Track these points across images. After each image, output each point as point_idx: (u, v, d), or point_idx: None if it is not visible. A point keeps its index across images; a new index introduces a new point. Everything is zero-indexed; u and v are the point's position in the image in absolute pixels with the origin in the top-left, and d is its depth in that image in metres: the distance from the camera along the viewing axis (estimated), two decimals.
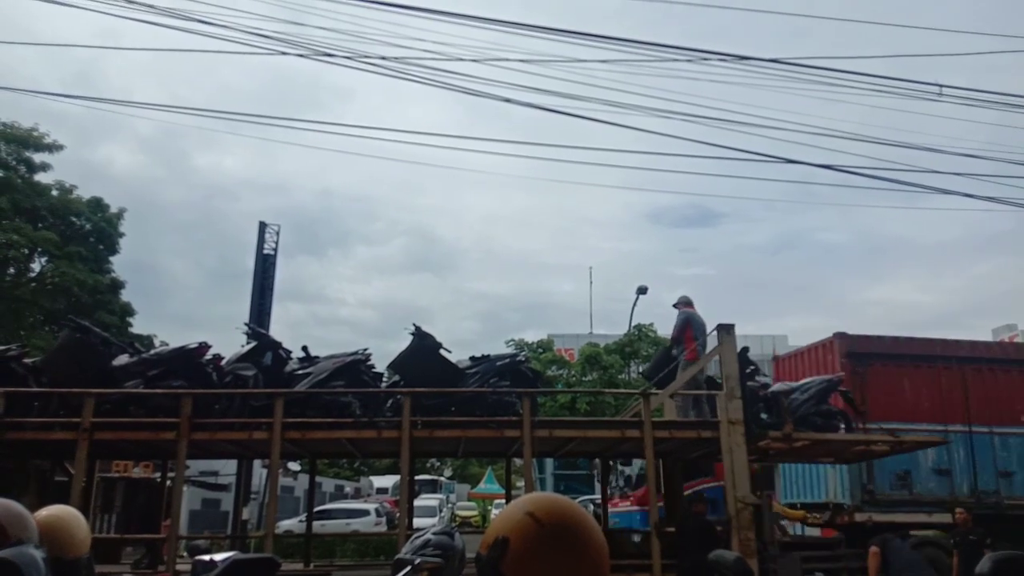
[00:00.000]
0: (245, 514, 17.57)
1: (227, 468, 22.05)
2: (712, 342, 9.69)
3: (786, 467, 13.19)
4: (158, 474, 15.30)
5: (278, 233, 21.14)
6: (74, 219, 23.92)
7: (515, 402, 9.23)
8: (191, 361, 9.18)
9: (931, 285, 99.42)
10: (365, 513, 26.25)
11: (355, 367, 9.50)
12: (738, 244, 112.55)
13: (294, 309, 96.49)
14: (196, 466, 21.80)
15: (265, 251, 20.79)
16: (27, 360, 9.59)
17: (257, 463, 15.83)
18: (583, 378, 28.16)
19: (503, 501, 19.90)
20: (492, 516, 25.55)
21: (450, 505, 36.59)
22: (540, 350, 29.92)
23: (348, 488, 41.88)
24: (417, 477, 24.63)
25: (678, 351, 10.56)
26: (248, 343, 10.23)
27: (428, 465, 42.51)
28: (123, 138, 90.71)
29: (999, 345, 13.92)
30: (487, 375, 9.53)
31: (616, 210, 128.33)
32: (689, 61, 9.45)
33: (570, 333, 39.42)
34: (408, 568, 2.24)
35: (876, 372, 11.46)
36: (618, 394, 21.82)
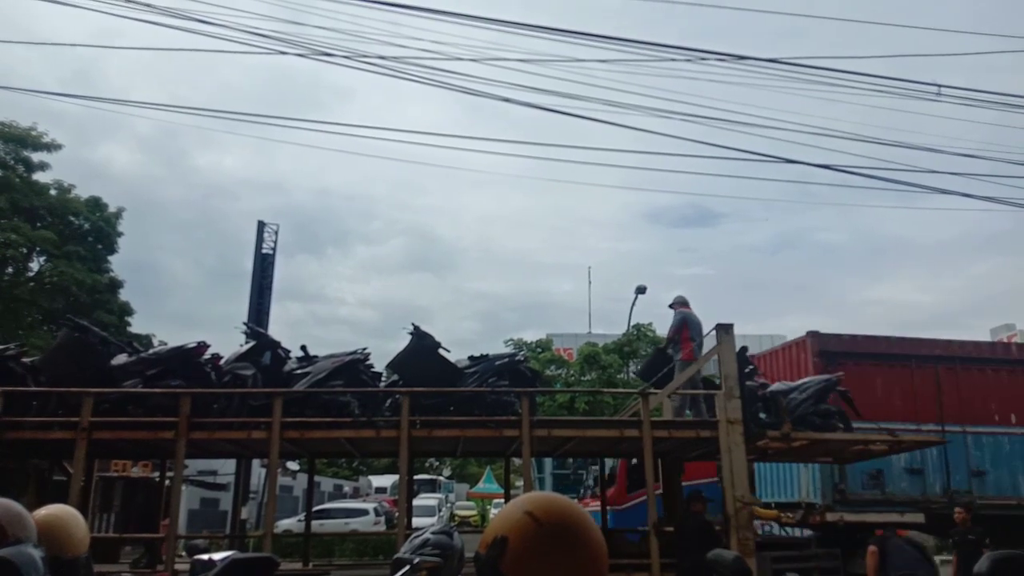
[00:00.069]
0: (244, 513, 17.54)
1: (226, 467, 22.04)
2: (711, 342, 9.69)
3: (760, 466, 13.17)
4: (157, 473, 15.31)
5: (277, 232, 21.13)
6: (72, 218, 23.87)
7: (514, 402, 9.23)
8: (190, 360, 9.17)
9: (930, 285, 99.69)
10: (364, 512, 26.24)
11: (354, 366, 9.49)
12: (737, 244, 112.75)
13: (293, 308, 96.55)
14: (195, 465, 21.79)
15: (264, 250, 20.77)
16: (25, 359, 9.59)
17: (256, 462, 15.84)
18: (582, 378, 28.18)
19: (502, 500, 19.92)
20: (491, 515, 25.58)
21: (449, 504, 36.61)
22: (539, 350, 29.94)
23: (347, 487, 41.87)
24: (416, 476, 24.66)
25: (674, 351, 10.56)
26: (247, 342, 10.23)
27: (427, 464, 42.51)
28: (122, 137, 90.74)
29: (973, 344, 13.88)
30: (486, 375, 9.53)
31: (615, 210, 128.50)
32: (688, 61, 9.45)
33: (569, 333, 39.44)
34: (407, 567, 2.24)
35: (848, 371, 11.41)
36: (617, 394, 21.82)
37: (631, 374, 27.42)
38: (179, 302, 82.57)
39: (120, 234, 24.94)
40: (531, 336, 37.31)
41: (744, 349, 9.47)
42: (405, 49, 20.49)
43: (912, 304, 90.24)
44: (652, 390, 9.95)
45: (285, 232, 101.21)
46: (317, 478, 22.53)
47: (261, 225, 20.96)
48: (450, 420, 9.14)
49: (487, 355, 10.05)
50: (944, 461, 12.62)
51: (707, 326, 10.13)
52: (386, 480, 37.68)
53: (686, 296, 11.04)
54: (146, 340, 22.33)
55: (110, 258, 24.73)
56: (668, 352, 10.81)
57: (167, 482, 11.41)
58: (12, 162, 22.75)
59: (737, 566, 3.27)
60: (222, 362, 9.48)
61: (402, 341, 9.57)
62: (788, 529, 13.46)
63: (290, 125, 30.61)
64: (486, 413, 9.11)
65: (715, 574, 3.34)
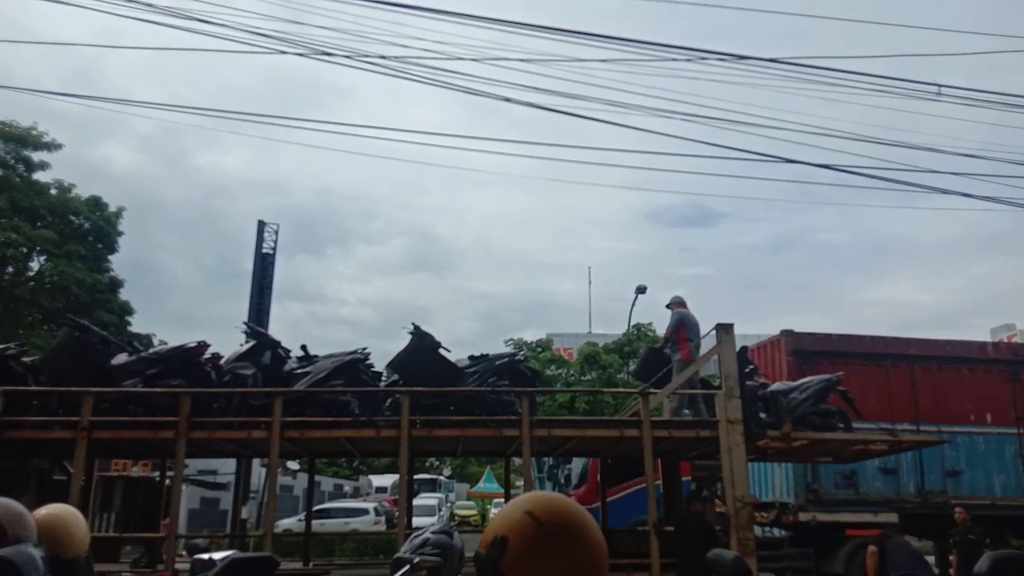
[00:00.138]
0: (244, 513, 17.55)
1: (226, 467, 22.03)
2: (711, 342, 9.69)
3: None
4: (157, 473, 15.31)
5: (277, 232, 21.17)
6: (73, 218, 23.87)
7: (514, 401, 9.23)
8: (190, 360, 9.17)
9: (930, 285, 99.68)
10: (364, 512, 26.25)
11: (354, 366, 9.49)
12: (737, 244, 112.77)
13: (293, 308, 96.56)
14: (195, 465, 21.82)
15: (264, 250, 20.81)
16: (26, 359, 9.59)
17: (256, 462, 15.83)
18: (582, 377, 28.16)
19: (502, 500, 19.92)
20: (491, 515, 25.59)
21: (449, 504, 36.62)
22: (539, 349, 29.92)
23: (347, 487, 41.89)
24: (416, 476, 24.66)
25: (671, 351, 10.56)
26: (247, 342, 10.23)
27: (427, 464, 42.50)
28: (123, 137, 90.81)
29: (949, 344, 13.77)
30: (486, 374, 9.53)
31: (616, 210, 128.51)
32: (689, 61, 9.45)
33: (569, 332, 39.43)
34: (407, 567, 2.24)
35: (823, 370, 11.32)
36: (617, 393, 21.82)
37: (630, 374, 27.45)
38: (179, 302, 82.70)
39: (120, 234, 24.95)
40: (531, 336, 37.34)
41: (744, 349, 9.46)
42: (407, 49, 20.49)
43: (912, 304, 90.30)
44: (652, 390, 9.96)
45: (285, 232, 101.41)
46: (317, 478, 22.51)
47: (261, 225, 20.99)
48: (450, 420, 9.14)
49: (487, 355, 10.05)
50: (918, 461, 12.54)
51: (707, 326, 10.12)
52: (386, 480, 37.70)
53: (685, 296, 11.05)
54: (146, 340, 22.33)
55: (110, 258, 24.74)
56: (665, 352, 10.81)
57: (167, 482, 11.42)
58: (12, 161, 22.74)
59: (737, 566, 3.27)
60: (222, 362, 9.48)
61: (402, 341, 9.59)
62: (762, 529, 13.44)
63: (292, 125, 30.65)
64: (486, 413, 9.11)
65: (715, 574, 3.34)
